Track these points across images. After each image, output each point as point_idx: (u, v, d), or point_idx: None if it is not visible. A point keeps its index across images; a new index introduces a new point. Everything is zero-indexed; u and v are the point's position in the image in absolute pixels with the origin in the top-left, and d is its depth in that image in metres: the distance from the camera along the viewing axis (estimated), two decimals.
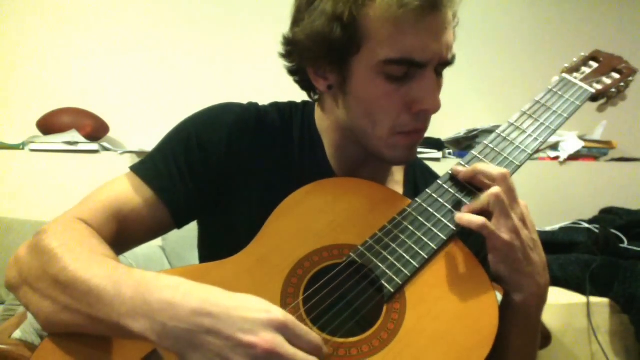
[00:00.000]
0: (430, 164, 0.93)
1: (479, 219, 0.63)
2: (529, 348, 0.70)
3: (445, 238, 0.66)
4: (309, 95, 0.81)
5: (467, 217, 0.64)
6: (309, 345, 0.50)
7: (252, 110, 0.79)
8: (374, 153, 0.73)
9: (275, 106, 0.82)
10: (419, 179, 0.86)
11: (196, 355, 0.49)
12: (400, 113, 0.68)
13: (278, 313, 0.50)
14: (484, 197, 0.64)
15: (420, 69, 0.66)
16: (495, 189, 0.63)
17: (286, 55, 0.75)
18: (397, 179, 0.84)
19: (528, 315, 0.66)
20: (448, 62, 0.69)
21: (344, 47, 0.66)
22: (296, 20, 0.71)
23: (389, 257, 0.65)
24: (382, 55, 0.64)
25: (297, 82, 0.79)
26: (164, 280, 0.54)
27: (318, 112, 0.81)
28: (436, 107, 0.68)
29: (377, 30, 0.64)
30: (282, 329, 0.49)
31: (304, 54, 0.70)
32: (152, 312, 0.51)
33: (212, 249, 0.78)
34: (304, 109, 0.82)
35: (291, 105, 0.83)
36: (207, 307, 0.50)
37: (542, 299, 0.67)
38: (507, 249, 0.62)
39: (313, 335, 0.52)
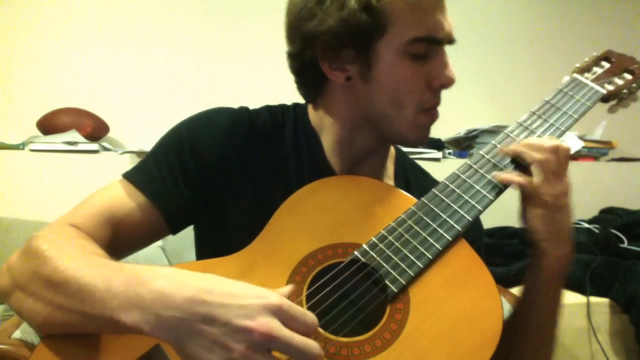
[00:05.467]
0: (430, 164, 0.93)
1: (520, 177, 0.69)
2: (556, 299, 0.74)
3: (450, 239, 0.66)
4: (308, 96, 0.80)
5: (507, 175, 0.70)
6: (305, 326, 0.50)
7: (243, 113, 0.80)
8: (396, 137, 0.76)
9: (267, 109, 0.82)
10: (410, 175, 0.87)
11: (193, 344, 0.49)
12: (423, 91, 0.72)
13: (273, 297, 0.50)
14: (531, 159, 0.69)
15: (436, 47, 0.71)
16: (542, 156, 0.68)
17: (299, 53, 0.74)
18: (389, 174, 0.85)
19: (562, 272, 0.71)
20: (453, 40, 0.74)
21: (371, 31, 0.68)
22: (306, 17, 0.71)
23: (393, 256, 0.65)
24: (409, 35, 0.69)
25: (302, 82, 0.79)
26: (156, 271, 0.54)
27: (313, 112, 0.81)
28: (454, 80, 0.73)
29: (402, 12, 0.68)
30: (278, 312, 0.49)
31: (328, 44, 0.70)
32: (144, 303, 0.51)
33: (209, 252, 0.78)
34: (296, 110, 0.83)
35: (283, 107, 0.84)
36: (202, 295, 0.50)
37: (570, 260, 0.71)
38: (550, 210, 0.68)
39: (309, 316, 0.51)
